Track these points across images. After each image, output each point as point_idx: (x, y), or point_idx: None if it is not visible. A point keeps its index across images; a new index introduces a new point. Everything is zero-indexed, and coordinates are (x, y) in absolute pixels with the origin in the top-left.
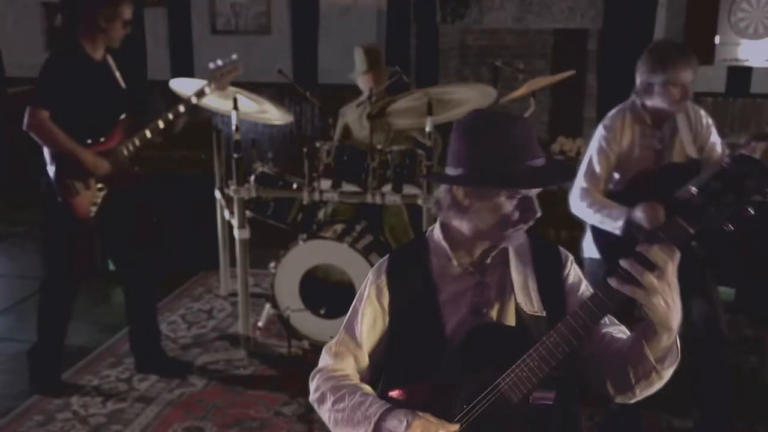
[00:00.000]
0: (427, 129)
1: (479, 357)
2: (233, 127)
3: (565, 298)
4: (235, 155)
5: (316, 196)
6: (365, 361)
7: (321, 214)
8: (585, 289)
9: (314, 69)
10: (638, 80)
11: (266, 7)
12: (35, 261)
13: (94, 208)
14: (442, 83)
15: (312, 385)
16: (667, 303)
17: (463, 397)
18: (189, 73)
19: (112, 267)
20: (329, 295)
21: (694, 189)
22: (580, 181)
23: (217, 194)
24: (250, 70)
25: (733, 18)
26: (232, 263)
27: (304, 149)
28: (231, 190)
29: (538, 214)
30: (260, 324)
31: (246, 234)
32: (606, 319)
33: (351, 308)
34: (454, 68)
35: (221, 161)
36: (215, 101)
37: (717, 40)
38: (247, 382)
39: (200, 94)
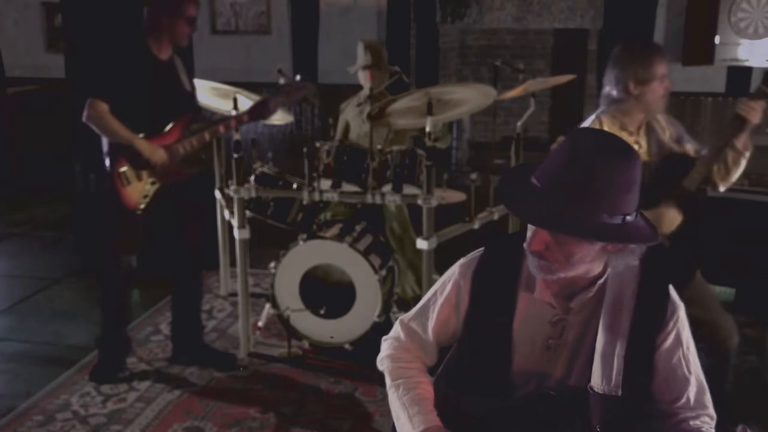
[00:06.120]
0: (428, 129)
1: (535, 419)
2: None
3: (652, 369)
4: (235, 155)
5: (316, 196)
6: (431, 349)
7: (321, 215)
8: (680, 359)
9: (314, 69)
10: (611, 87)
11: (266, 7)
12: (35, 261)
13: (143, 202)
14: (442, 83)
15: (382, 349)
16: None
17: None
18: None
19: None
20: (329, 295)
21: None
22: None
23: (217, 194)
24: (250, 70)
25: (733, 18)
26: (232, 263)
27: (304, 149)
28: (231, 190)
29: (541, 263)
30: (260, 324)
31: (246, 234)
32: (690, 394)
33: (432, 292)
34: (454, 68)
35: (221, 161)
36: (215, 101)
37: (717, 40)
38: (247, 382)
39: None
